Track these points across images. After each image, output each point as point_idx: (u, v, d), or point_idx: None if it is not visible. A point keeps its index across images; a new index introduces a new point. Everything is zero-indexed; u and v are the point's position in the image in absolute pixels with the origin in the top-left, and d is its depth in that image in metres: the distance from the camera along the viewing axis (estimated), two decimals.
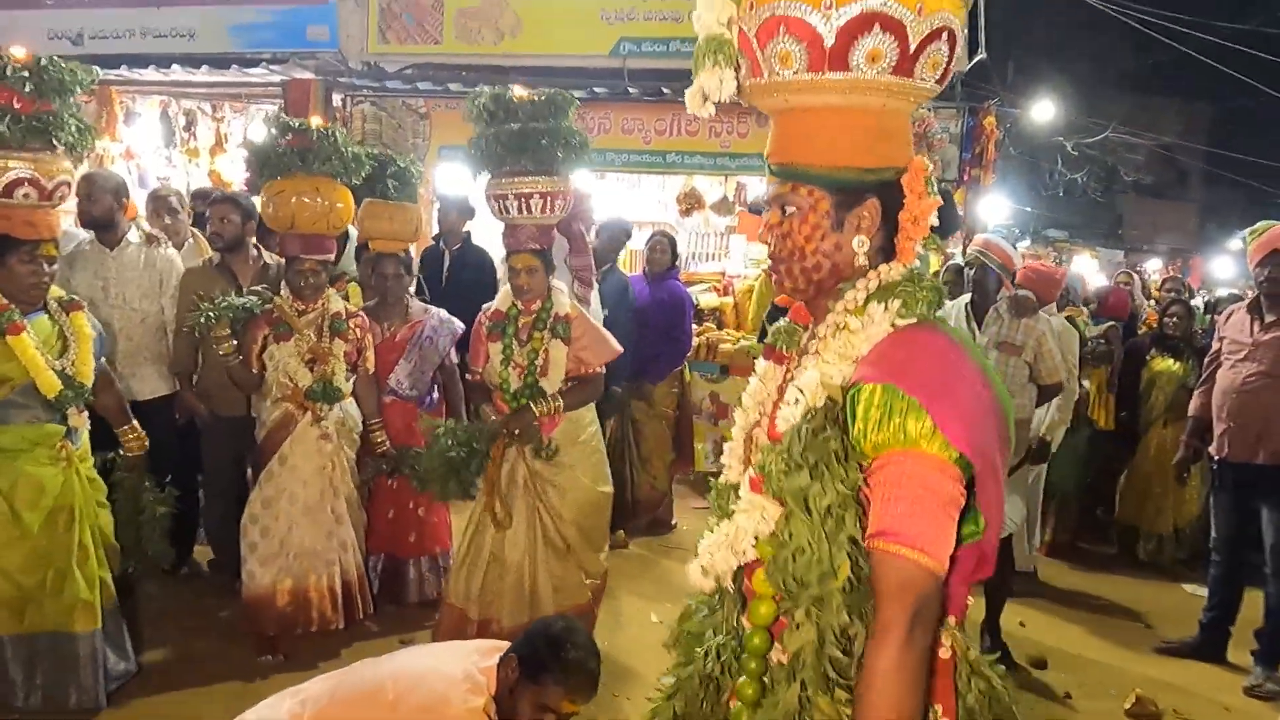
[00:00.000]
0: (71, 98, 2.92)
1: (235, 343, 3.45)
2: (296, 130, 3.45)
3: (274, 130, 3.49)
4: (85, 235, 4.11)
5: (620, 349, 3.58)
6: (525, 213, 3.31)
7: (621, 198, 7.95)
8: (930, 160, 5.51)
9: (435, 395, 4.24)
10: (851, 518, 1.25)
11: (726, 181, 7.63)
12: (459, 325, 4.05)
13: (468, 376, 3.72)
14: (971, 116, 6.19)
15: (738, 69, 1.36)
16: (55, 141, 2.89)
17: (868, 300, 1.35)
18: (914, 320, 1.33)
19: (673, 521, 5.44)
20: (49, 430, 2.95)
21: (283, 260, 3.73)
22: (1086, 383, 5.21)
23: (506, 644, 2.33)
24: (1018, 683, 3.73)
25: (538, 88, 3.42)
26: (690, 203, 7.68)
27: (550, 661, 2.19)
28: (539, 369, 3.33)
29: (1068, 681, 3.77)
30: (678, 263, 5.76)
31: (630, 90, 6.52)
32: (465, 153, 3.45)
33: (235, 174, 7.30)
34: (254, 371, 3.51)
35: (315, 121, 3.58)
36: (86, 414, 3.09)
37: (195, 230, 4.81)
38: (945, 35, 1.30)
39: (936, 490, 1.20)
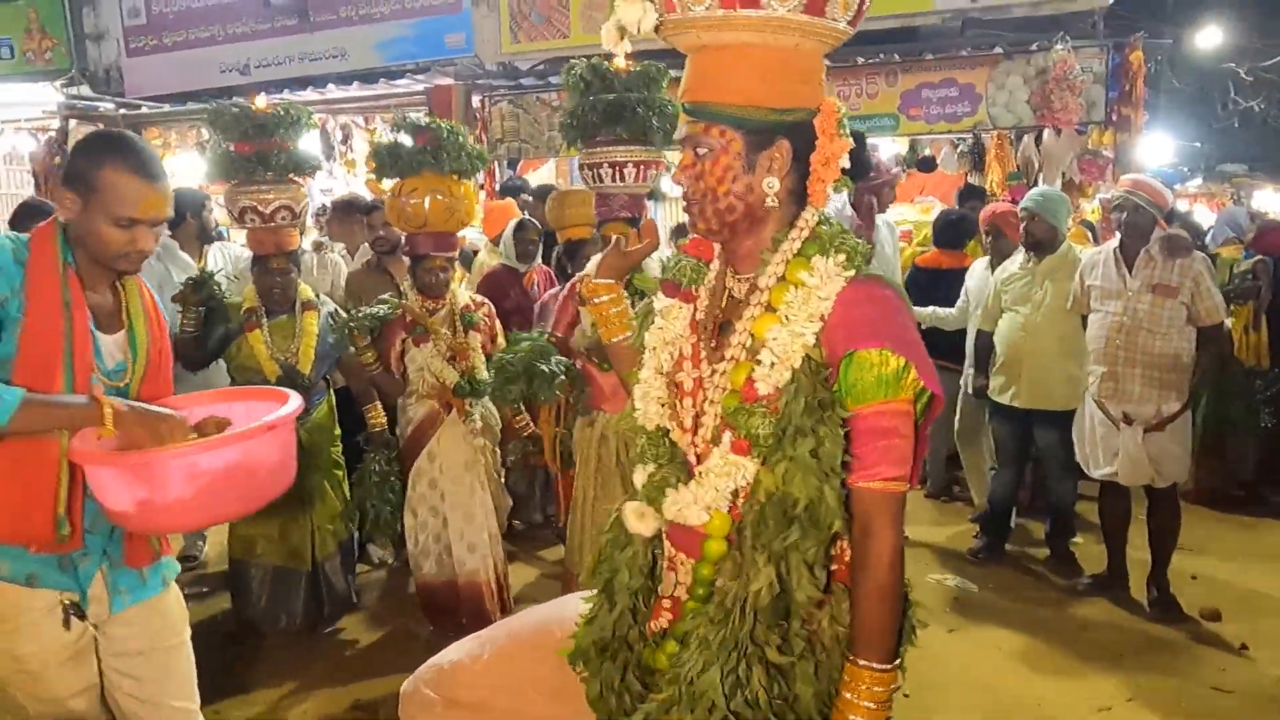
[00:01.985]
0: (284, 135, 3.48)
1: (375, 352, 3.53)
2: (425, 129, 3.50)
3: (404, 130, 3.59)
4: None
5: None
6: (619, 180, 3.35)
7: None
8: (1078, 103, 5.33)
9: None
10: (839, 469, 1.35)
11: None
12: None
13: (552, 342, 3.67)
14: (1117, 53, 5.86)
15: (655, 4, 1.37)
16: (269, 173, 3.46)
17: (805, 249, 1.39)
18: (861, 274, 1.39)
19: None
20: None
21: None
22: (1230, 321, 4.93)
23: None
24: (1190, 635, 3.63)
25: (614, 56, 3.43)
26: None
27: None
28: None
29: (1243, 632, 3.62)
30: None
31: None
32: (561, 124, 3.49)
33: (389, 181, 7.79)
34: (395, 376, 3.60)
35: (441, 121, 3.63)
36: (317, 393, 3.67)
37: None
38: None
39: (908, 430, 1.36)
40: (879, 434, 1.34)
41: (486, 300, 3.92)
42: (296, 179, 3.57)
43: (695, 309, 1.53)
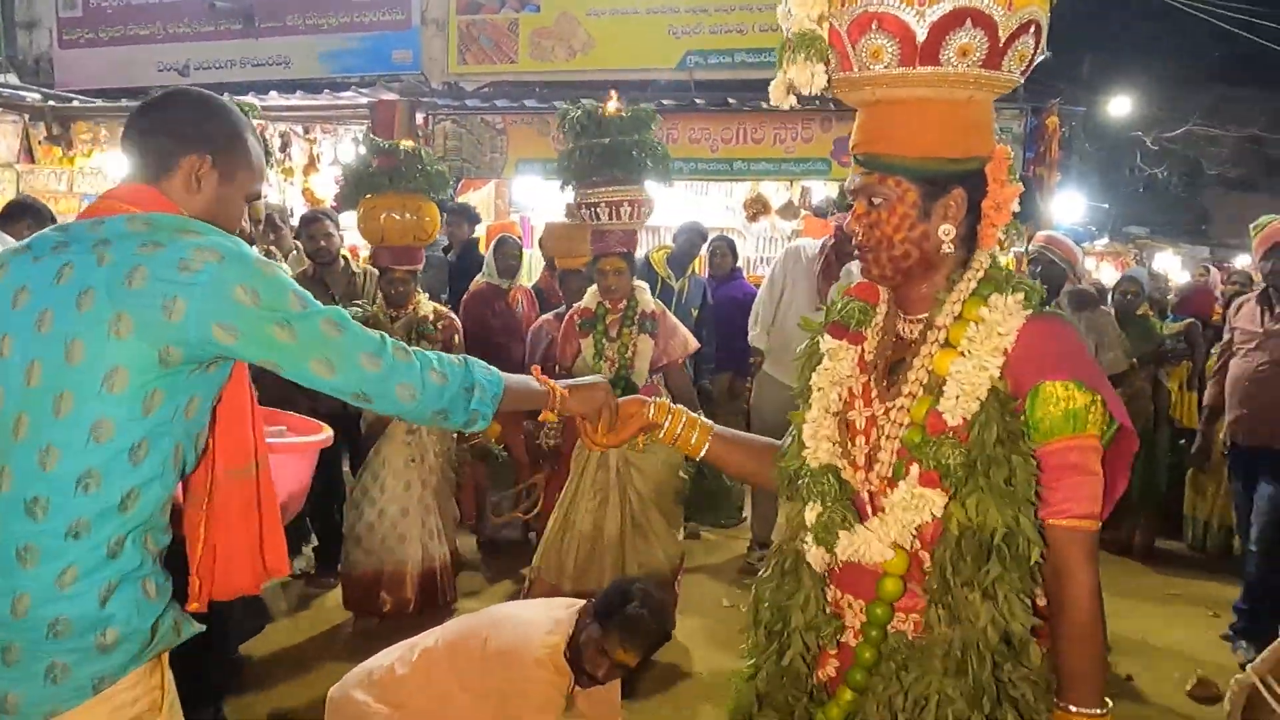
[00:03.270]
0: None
1: None
2: (385, 152, 3.73)
3: (366, 151, 3.81)
4: None
5: (698, 344, 3.92)
6: (615, 219, 3.64)
7: (690, 205, 8.19)
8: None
9: None
10: (1033, 499, 1.34)
11: (792, 186, 7.80)
12: None
13: (557, 373, 3.97)
14: (1035, 116, 6.25)
15: (827, 63, 1.40)
16: None
17: (981, 289, 1.41)
18: (1037, 311, 1.39)
19: (743, 515, 5.64)
20: None
21: (368, 270, 4.11)
22: (1167, 380, 5.25)
23: (583, 602, 2.57)
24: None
25: (607, 97, 3.72)
26: (757, 208, 7.88)
27: (616, 609, 2.40)
28: (629, 361, 3.66)
29: (1131, 665, 3.86)
30: (737, 265, 6.04)
31: (697, 101, 6.76)
32: (554, 164, 3.77)
33: (326, 191, 7.75)
34: None
35: (405, 144, 3.88)
36: None
37: (298, 243, 5.24)
38: (1033, 29, 1.34)
39: (1098, 466, 1.36)
40: (1067, 470, 1.33)
41: (452, 315, 4.09)
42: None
43: (863, 350, 1.53)
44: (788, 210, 8.02)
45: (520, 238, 5.97)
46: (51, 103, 8.03)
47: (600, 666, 2.39)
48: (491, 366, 1.63)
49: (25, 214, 4.69)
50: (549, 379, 1.70)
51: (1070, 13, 7.72)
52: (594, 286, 3.81)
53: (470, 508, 4.91)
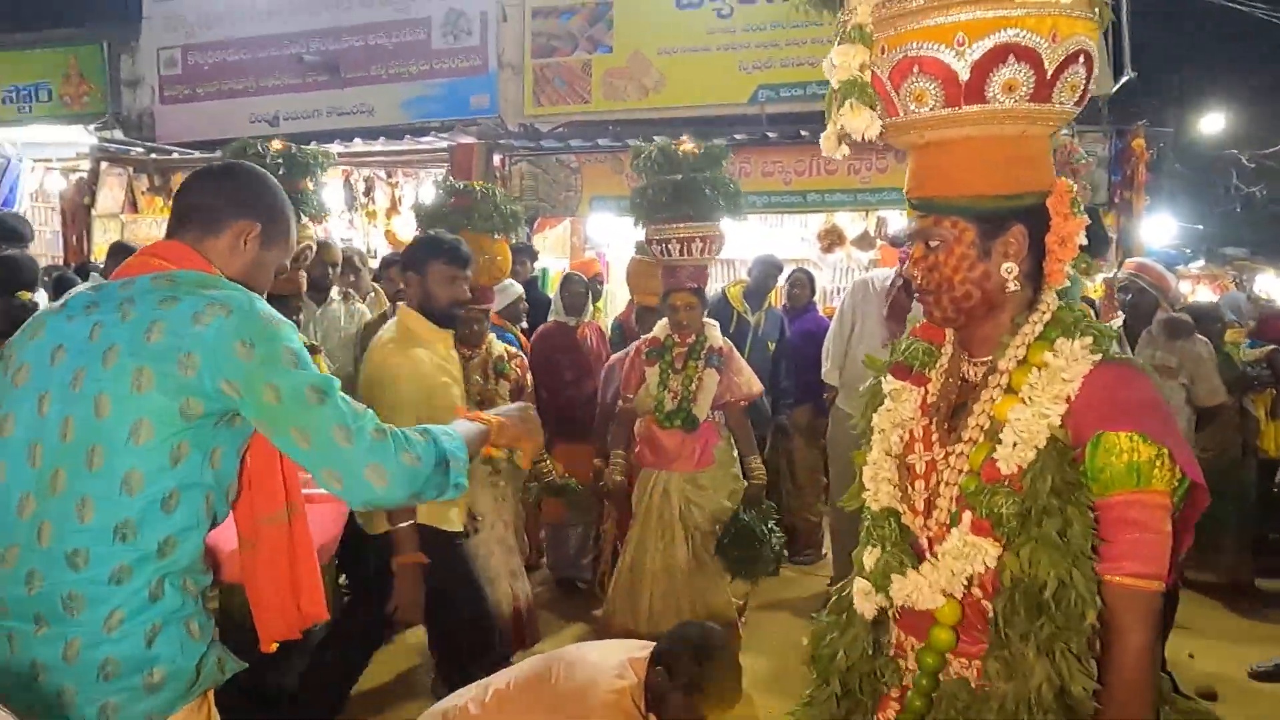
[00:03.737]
0: (315, 176, 3.54)
1: None
2: (460, 192, 3.73)
3: (442, 193, 3.82)
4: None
5: (761, 387, 3.87)
6: (687, 254, 3.67)
7: (765, 238, 8.16)
8: (1078, 185, 5.50)
9: None
10: (1089, 553, 1.28)
11: (867, 216, 7.72)
12: None
13: (619, 404, 3.93)
14: (1120, 139, 6.07)
15: (874, 109, 1.41)
16: (301, 213, 3.48)
17: (1047, 333, 1.37)
18: (1108, 357, 1.34)
19: (824, 551, 5.52)
20: None
21: None
22: (1253, 409, 4.99)
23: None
24: (1184, 713, 3.64)
25: (681, 138, 3.75)
26: (831, 239, 7.81)
27: (686, 656, 2.37)
28: (692, 394, 3.62)
29: (1238, 715, 3.63)
30: (814, 298, 5.97)
31: (769, 135, 6.76)
32: (628, 200, 3.77)
33: (408, 234, 7.98)
34: None
35: (478, 184, 3.90)
36: None
37: (376, 285, 5.38)
38: (1082, 58, 1.32)
39: (1164, 525, 1.28)
40: (1126, 525, 1.28)
41: (522, 355, 4.07)
42: (310, 223, 3.63)
43: (926, 392, 1.52)
44: (863, 241, 7.92)
45: (601, 274, 6.02)
46: (153, 155, 8.48)
47: (671, 714, 2.36)
48: (448, 428, 1.62)
49: (126, 255, 4.97)
50: (480, 413, 1.75)
51: (1157, 30, 7.51)
52: (664, 320, 3.82)
53: (537, 545, 4.91)
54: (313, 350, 3.57)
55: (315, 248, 3.63)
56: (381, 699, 3.67)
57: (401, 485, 1.48)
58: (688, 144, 3.71)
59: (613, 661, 2.41)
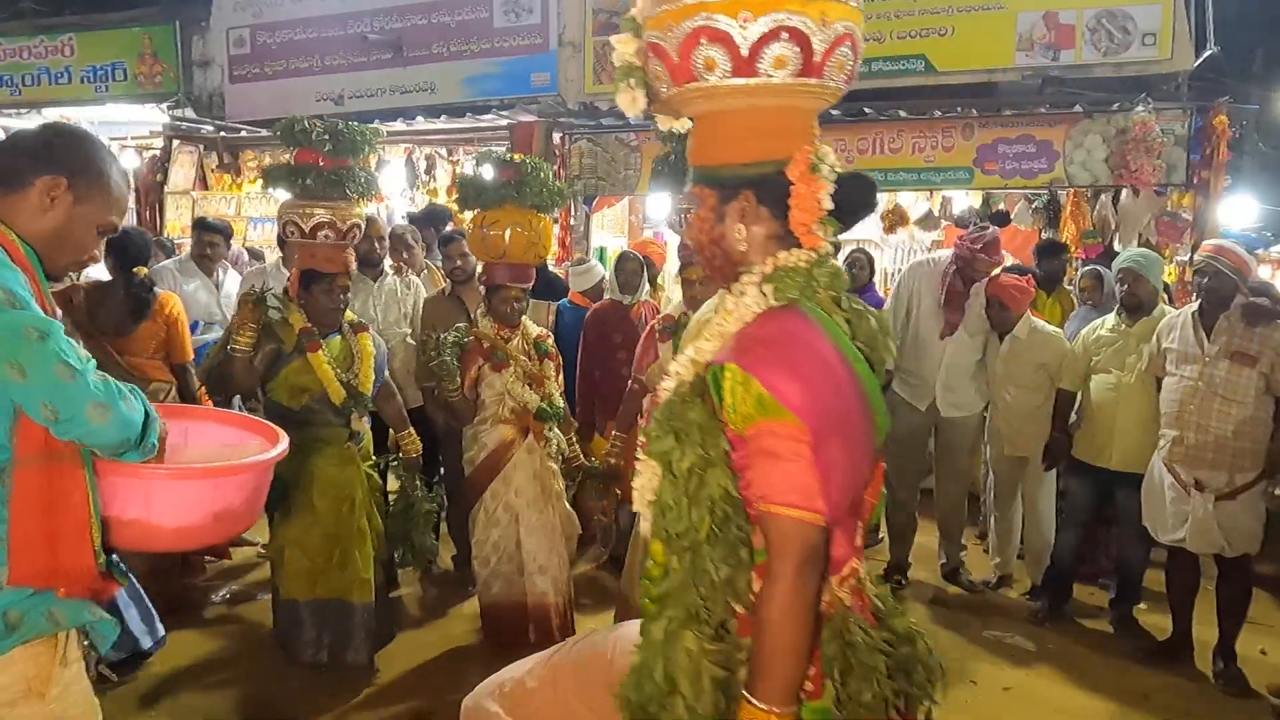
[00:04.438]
0: (362, 155, 3.48)
1: (459, 380, 3.61)
2: (510, 164, 3.61)
3: (489, 164, 3.69)
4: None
5: None
6: None
7: None
8: (1157, 164, 5.27)
9: None
10: (713, 479, 1.39)
11: (931, 196, 7.56)
12: None
13: (631, 385, 3.79)
14: (1200, 116, 5.83)
15: (651, 91, 1.57)
16: (349, 191, 3.45)
17: (762, 285, 1.50)
18: (783, 303, 1.47)
19: (880, 536, 5.46)
20: (337, 432, 3.49)
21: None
22: None
23: None
24: (1256, 711, 3.53)
25: None
26: (894, 219, 7.67)
27: None
28: None
29: None
30: (873, 279, 5.87)
31: (831, 112, 6.63)
32: (655, 171, 3.62)
33: (468, 212, 8.04)
34: (470, 402, 3.67)
35: (524, 157, 3.74)
36: (368, 419, 3.60)
37: (429, 262, 5.43)
38: (849, 41, 1.45)
39: (795, 452, 1.36)
40: (762, 455, 1.38)
41: (549, 333, 4.00)
42: (345, 198, 3.51)
43: None
44: (927, 221, 7.78)
45: (663, 251, 5.97)
46: (222, 134, 8.67)
47: None
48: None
49: (208, 230, 5.26)
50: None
51: (1241, 4, 7.18)
52: (678, 297, 3.70)
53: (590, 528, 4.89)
54: (359, 327, 3.65)
55: (363, 225, 3.57)
56: (436, 671, 3.74)
57: (119, 428, 1.55)
58: None
59: None
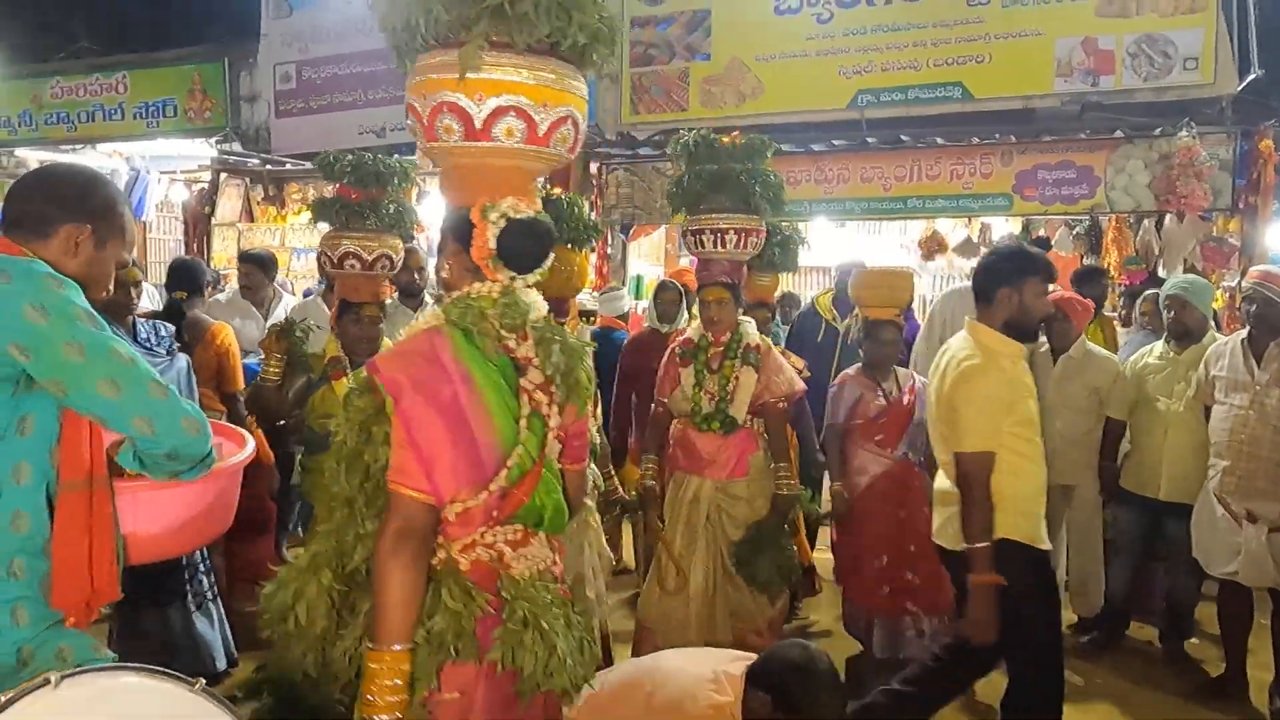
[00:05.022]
0: (392, 188, 3.55)
1: None
2: (548, 201, 3.55)
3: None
4: (392, 299, 4.84)
5: (803, 387, 3.72)
6: (720, 247, 3.55)
7: (862, 244, 8.03)
8: (1204, 189, 5.21)
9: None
10: (370, 454, 1.75)
11: (970, 223, 7.52)
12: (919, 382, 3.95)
13: (655, 408, 3.79)
14: (1245, 140, 5.75)
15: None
16: (376, 223, 3.52)
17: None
18: (437, 323, 1.78)
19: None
20: None
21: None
22: None
23: (751, 656, 2.46)
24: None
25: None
26: (932, 246, 7.65)
27: (804, 696, 2.24)
28: (729, 395, 3.50)
29: None
30: (912, 304, 5.81)
31: (869, 140, 6.66)
32: (667, 192, 3.67)
33: None
34: None
35: (562, 193, 3.76)
36: None
37: None
38: (570, 121, 1.83)
39: (403, 442, 1.68)
40: (397, 444, 1.71)
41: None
42: (399, 232, 3.62)
43: None
44: (966, 248, 7.73)
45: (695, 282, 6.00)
46: (269, 167, 8.88)
47: None
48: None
49: (254, 263, 5.37)
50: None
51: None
52: (697, 320, 3.71)
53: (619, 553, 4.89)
54: None
55: (395, 256, 3.61)
56: None
57: (205, 440, 1.67)
58: (729, 136, 3.60)
59: (707, 674, 2.37)
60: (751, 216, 3.56)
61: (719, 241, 3.54)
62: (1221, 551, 3.72)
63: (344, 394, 1.82)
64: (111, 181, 1.84)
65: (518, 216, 1.77)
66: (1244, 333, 3.87)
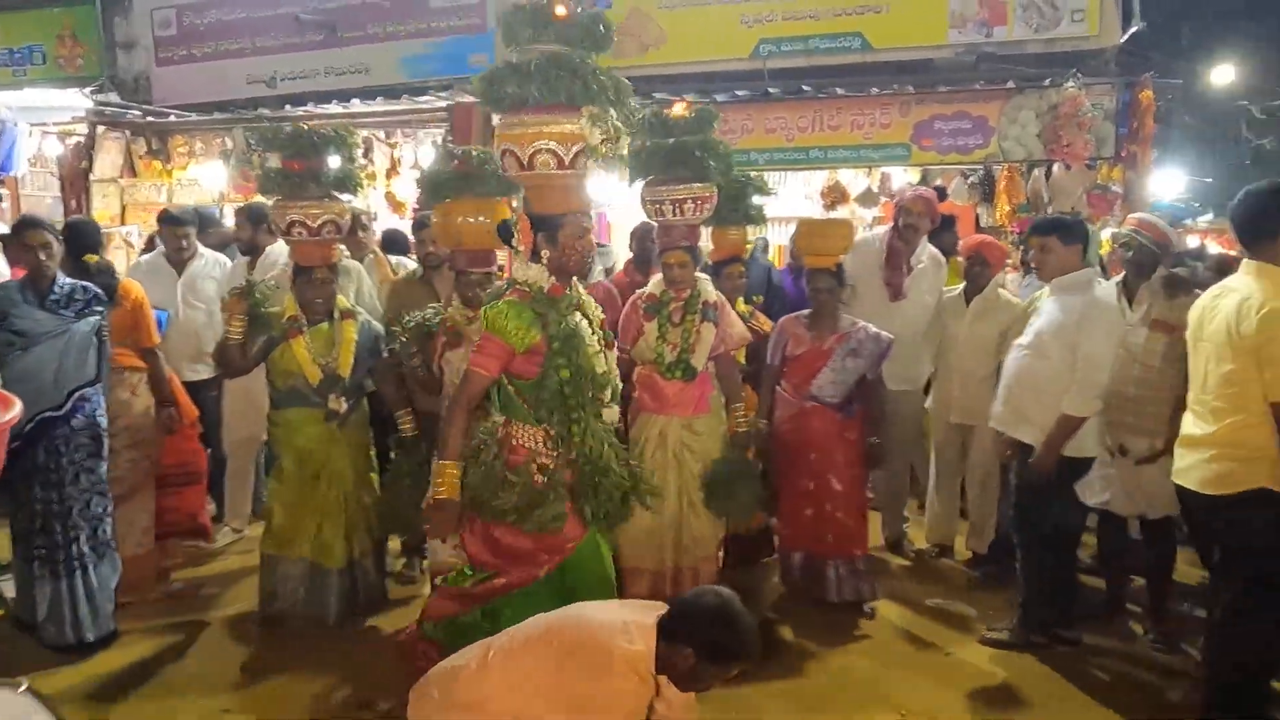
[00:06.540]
0: (326, 154, 3.72)
1: (421, 356, 3.86)
2: (459, 157, 3.82)
3: (441, 158, 3.91)
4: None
5: (749, 335, 4.06)
6: (679, 215, 3.83)
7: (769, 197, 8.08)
8: (1086, 139, 5.45)
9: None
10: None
11: (870, 173, 7.64)
12: (886, 340, 4.16)
13: (618, 357, 3.84)
14: (1128, 91, 5.97)
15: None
16: (316, 190, 3.71)
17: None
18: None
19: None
20: (316, 411, 3.83)
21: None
22: None
23: (659, 606, 2.44)
24: (1191, 667, 3.67)
25: (682, 97, 3.79)
26: (834, 196, 7.73)
27: (708, 630, 2.27)
28: (691, 346, 3.79)
29: None
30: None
31: (771, 90, 6.67)
32: (622, 161, 3.76)
33: (408, 195, 7.93)
34: (435, 377, 3.86)
35: (476, 149, 3.97)
36: (345, 400, 3.84)
37: (376, 249, 5.37)
38: (583, 148, 2.90)
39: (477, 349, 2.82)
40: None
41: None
42: (341, 196, 3.84)
43: None
44: (867, 198, 7.86)
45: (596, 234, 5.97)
46: (150, 119, 8.41)
47: (692, 684, 2.34)
48: None
49: (173, 223, 5.18)
50: None
51: None
52: (657, 276, 3.99)
53: None
54: (346, 314, 3.93)
55: (342, 220, 3.83)
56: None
57: None
58: (679, 109, 3.88)
59: (621, 623, 2.34)
60: (706, 185, 3.85)
61: (678, 210, 3.84)
62: (1096, 483, 3.93)
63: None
64: None
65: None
66: (1120, 276, 4.07)
